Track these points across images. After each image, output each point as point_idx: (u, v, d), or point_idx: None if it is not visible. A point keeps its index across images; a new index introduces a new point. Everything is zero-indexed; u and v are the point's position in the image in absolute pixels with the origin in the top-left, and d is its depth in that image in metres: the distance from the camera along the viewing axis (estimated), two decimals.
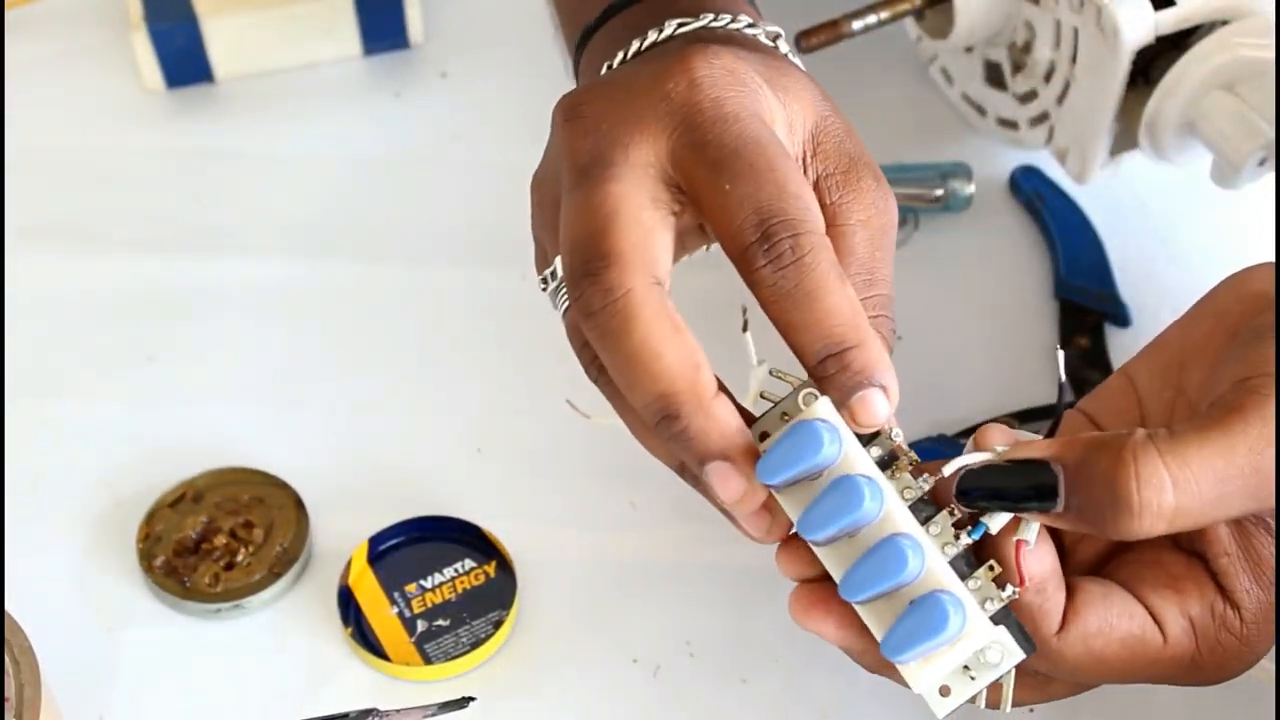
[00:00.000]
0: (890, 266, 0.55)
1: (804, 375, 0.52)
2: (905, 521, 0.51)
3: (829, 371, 0.51)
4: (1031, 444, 0.51)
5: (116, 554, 0.71)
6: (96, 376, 0.78)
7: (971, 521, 0.51)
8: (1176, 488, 0.49)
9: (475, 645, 0.68)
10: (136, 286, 0.81)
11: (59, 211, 0.81)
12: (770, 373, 0.54)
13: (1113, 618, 0.52)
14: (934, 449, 0.73)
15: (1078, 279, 0.80)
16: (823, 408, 0.51)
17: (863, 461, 0.52)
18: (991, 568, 0.51)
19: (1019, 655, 0.51)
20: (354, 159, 0.87)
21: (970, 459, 0.51)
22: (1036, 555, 0.52)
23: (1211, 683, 0.54)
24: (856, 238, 0.55)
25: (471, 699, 0.56)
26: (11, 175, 0.84)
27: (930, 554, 0.51)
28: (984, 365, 0.78)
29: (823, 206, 0.54)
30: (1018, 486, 0.50)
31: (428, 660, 0.68)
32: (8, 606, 0.58)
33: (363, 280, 0.82)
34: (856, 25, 0.79)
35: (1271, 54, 0.71)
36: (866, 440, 0.52)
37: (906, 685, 0.53)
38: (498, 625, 0.68)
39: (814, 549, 0.52)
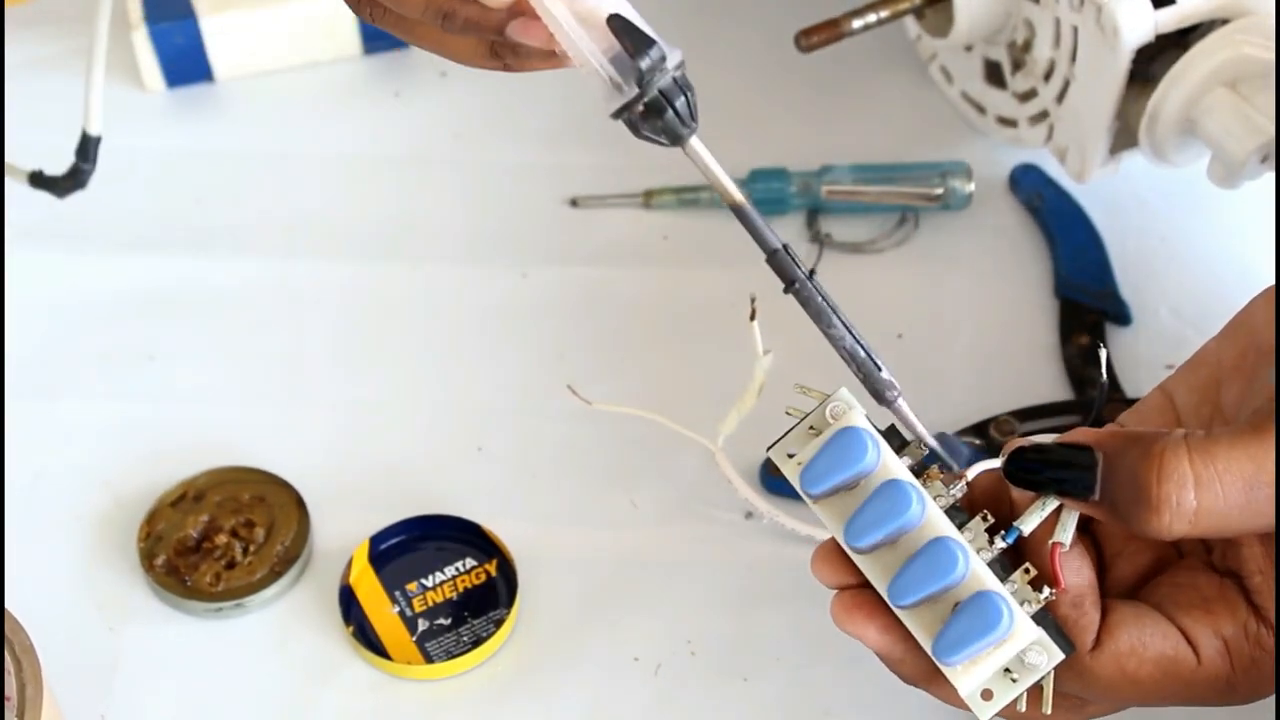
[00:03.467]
0: None
1: (828, 390, 0.52)
2: (946, 526, 0.51)
3: None
4: (1078, 430, 0.52)
5: (118, 553, 0.71)
6: (96, 376, 0.78)
7: (1004, 526, 0.51)
8: (1199, 486, 0.49)
9: (476, 644, 0.68)
10: (136, 286, 0.81)
11: (59, 211, 0.81)
12: (796, 387, 0.54)
13: (1146, 637, 0.52)
14: None
15: (1078, 277, 0.80)
16: (859, 417, 0.52)
17: (900, 469, 0.52)
18: (1027, 570, 0.51)
19: (1059, 656, 0.51)
20: (354, 159, 0.87)
21: (991, 463, 0.52)
22: (1074, 568, 0.52)
23: (1245, 702, 0.53)
24: None
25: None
26: (11, 175, 0.84)
27: (972, 557, 0.51)
28: (984, 364, 0.78)
29: None
30: (1061, 466, 0.51)
31: (429, 659, 0.68)
32: (9, 605, 0.58)
33: (363, 280, 0.82)
34: (856, 24, 0.79)
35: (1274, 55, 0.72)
36: (896, 451, 0.52)
37: (942, 698, 0.53)
38: (499, 624, 0.68)
39: (854, 558, 0.52)
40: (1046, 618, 0.51)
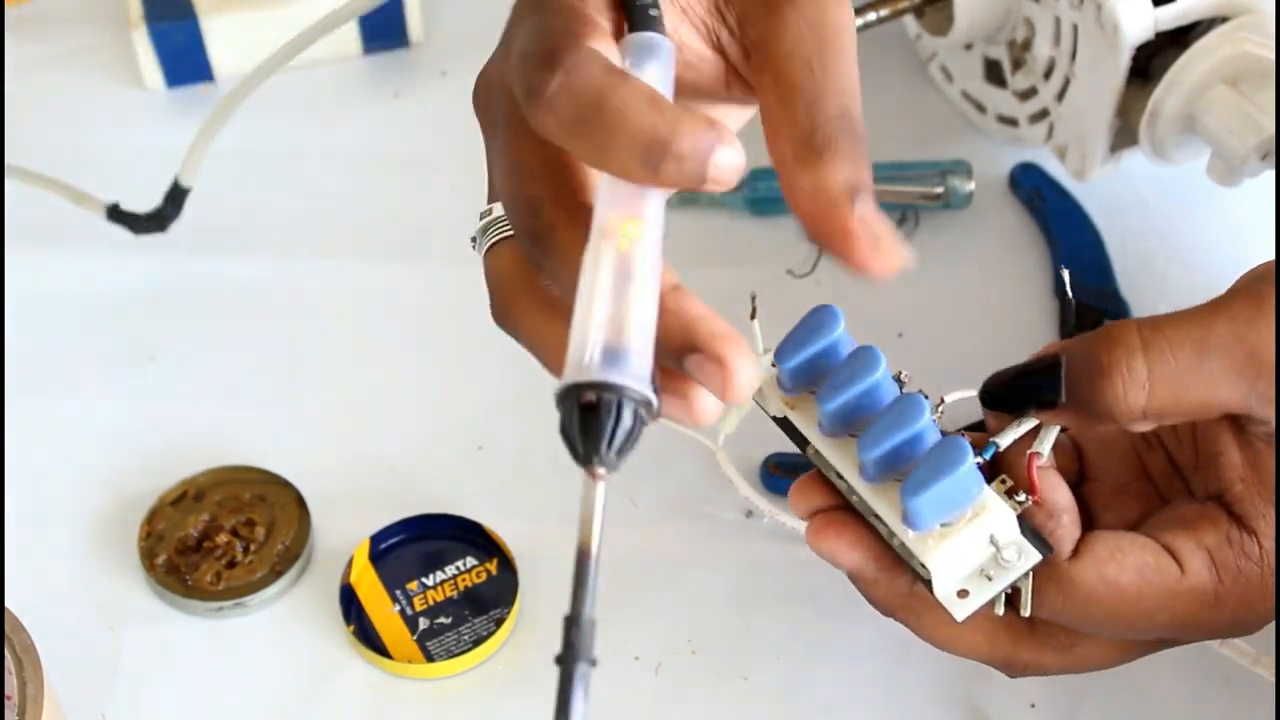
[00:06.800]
0: (841, 74, 0.51)
1: None
2: None
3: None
4: (1045, 346, 0.54)
5: (118, 553, 0.71)
6: (96, 376, 0.78)
7: (983, 444, 0.52)
8: (1148, 350, 0.50)
9: (477, 643, 0.68)
10: (136, 286, 0.81)
11: (59, 211, 0.81)
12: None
13: (1125, 544, 0.52)
14: None
15: (1078, 276, 0.80)
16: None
17: None
18: (1004, 481, 0.52)
19: (1036, 556, 0.51)
20: (354, 159, 0.87)
21: (969, 392, 0.54)
22: (1051, 485, 0.53)
23: (1238, 624, 0.53)
24: (790, 67, 0.50)
25: None
26: (12, 174, 0.84)
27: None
28: (984, 363, 0.78)
29: (749, 48, 0.51)
30: (1029, 376, 0.53)
31: (429, 658, 0.68)
32: (10, 605, 0.58)
33: (363, 279, 0.82)
34: (856, 22, 0.79)
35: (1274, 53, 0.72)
36: None
37: (921, 630, 0.53)
38: (499, 623, 0.68)
39: (822, 449, 0.52)
40: (1024, 523, 0.52)
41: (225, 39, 0.89)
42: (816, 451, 0.53)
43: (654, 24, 0.49)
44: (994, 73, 0.84)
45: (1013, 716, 0.66)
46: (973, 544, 0.51)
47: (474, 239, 0.55)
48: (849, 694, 0.67)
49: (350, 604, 0.69)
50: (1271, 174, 0.73)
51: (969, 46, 0.84)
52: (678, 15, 0.52)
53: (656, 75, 0.49)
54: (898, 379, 0.52)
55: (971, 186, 0.82)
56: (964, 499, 0.50)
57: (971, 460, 0.50)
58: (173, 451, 0.74)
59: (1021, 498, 0.52)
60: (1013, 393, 0.53)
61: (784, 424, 0.54)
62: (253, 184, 0.86)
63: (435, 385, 0.78)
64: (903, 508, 0.50)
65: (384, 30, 0.91)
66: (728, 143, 0.45)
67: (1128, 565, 0.52)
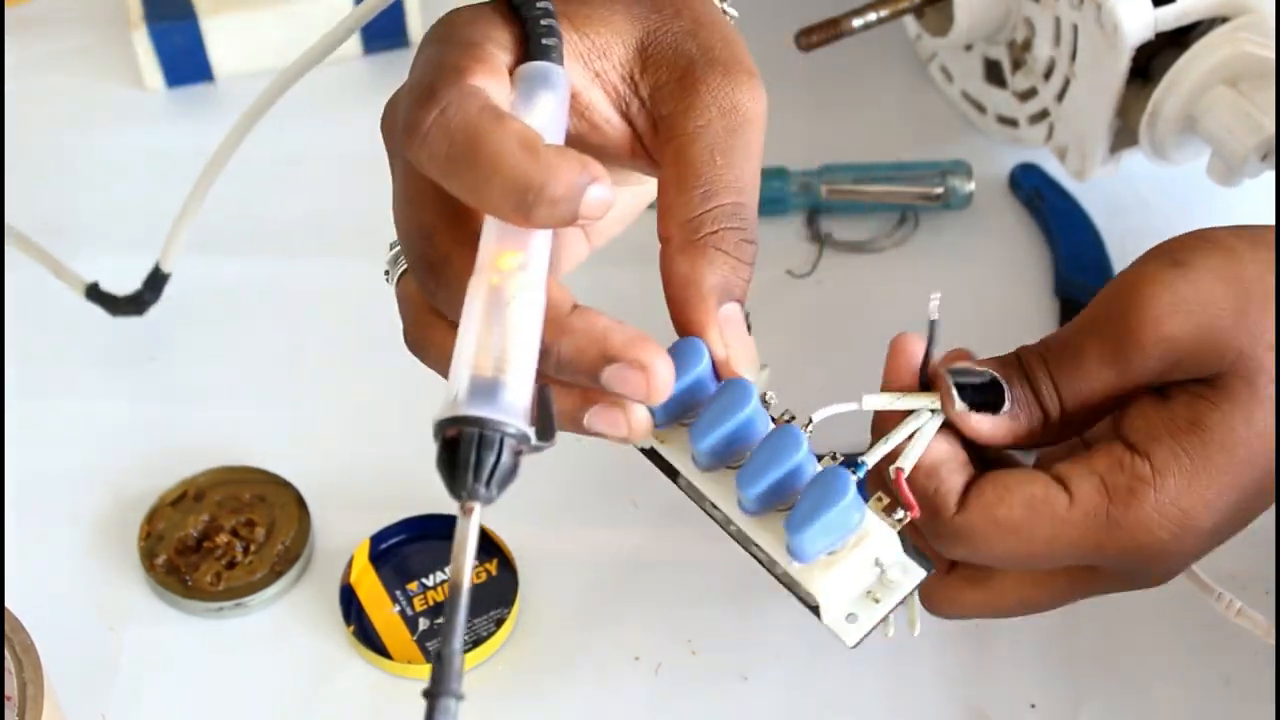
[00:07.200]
0: (742, 168, 0.51)
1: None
2: None
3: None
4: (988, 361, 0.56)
5: (118, 553, 0.71)
6: (96, 376, 0.78)
7: (853, 463, 0.52)
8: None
9: (477, 643, 0.68)
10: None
11: (59, 211, 0.81)
12: None
13: (1011, 483, 0.53)
14: None
15: (1078, 276, 0.80)
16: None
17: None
18: (880, 499, 0.52)
19: (921, 574, 0.51)
20: (354, 159, 0.87)
21: (838, 408, 0.52)
22: (925, 450, 0.53)
23: (1140, 550, 0.53)
24: (694, 148, 0.51)
25: None
26: (12, 175, 0.84)
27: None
28: None
29: (658, 122, 0.52)
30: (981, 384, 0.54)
31: (429, 658, 0.68)
32: (10, 605, 0.58)
33: (363, 279, 0.81)
34: (856, 23, 0.79)
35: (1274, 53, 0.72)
36: None
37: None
38: (499, 623, 0.68)
39: (697, 483, 0.52)
40: (904, 539, 0.51)
41: (225, 39, 0.89)
42: (689, 483, 0.53)
43: (548, 53, 0.50)
44: (994, 73, 0.84)
45: (1013, 716, 0.66)
46: (858, 569, 0.51)
47: (386, 271, 0.55)
48: (849, 694, 0.67)
49: (350, 604, 0.69)
50: (1271, 174, 0.73)
51: (969, 47, 0.84)
52: (590, 77, 0.52)
53: (548, 106, 0.49)
54: (764, 400, 0.51)
55: (971, 186, 0.82)
56: (848, 527, 0.50)
57: (854, 490, 0.49)
58: (173, 451, 0.74)
59: (900, 515, 0.51)
60: (972, 389, 0.54)
61: (652, 455, 0.53)
62: (253, 184, 0.86)
63: (435, 385, 0.77)
64: (788, 542, 0.50)
65: (384, 30, 0.91)
66: (598, 180, 0.46)
67: (1016, 502, 0.52)
